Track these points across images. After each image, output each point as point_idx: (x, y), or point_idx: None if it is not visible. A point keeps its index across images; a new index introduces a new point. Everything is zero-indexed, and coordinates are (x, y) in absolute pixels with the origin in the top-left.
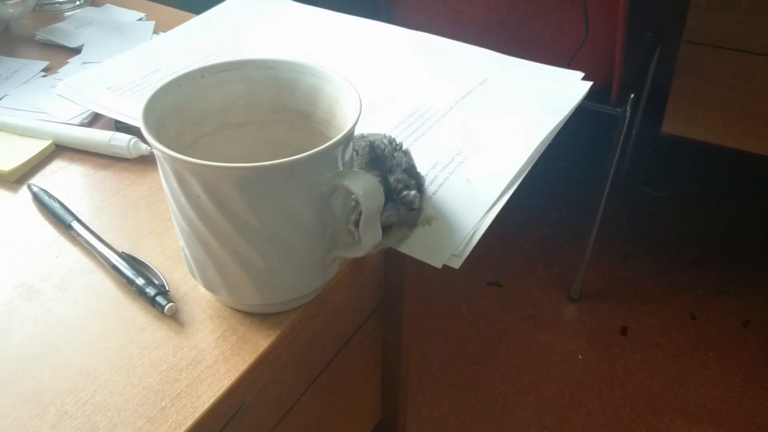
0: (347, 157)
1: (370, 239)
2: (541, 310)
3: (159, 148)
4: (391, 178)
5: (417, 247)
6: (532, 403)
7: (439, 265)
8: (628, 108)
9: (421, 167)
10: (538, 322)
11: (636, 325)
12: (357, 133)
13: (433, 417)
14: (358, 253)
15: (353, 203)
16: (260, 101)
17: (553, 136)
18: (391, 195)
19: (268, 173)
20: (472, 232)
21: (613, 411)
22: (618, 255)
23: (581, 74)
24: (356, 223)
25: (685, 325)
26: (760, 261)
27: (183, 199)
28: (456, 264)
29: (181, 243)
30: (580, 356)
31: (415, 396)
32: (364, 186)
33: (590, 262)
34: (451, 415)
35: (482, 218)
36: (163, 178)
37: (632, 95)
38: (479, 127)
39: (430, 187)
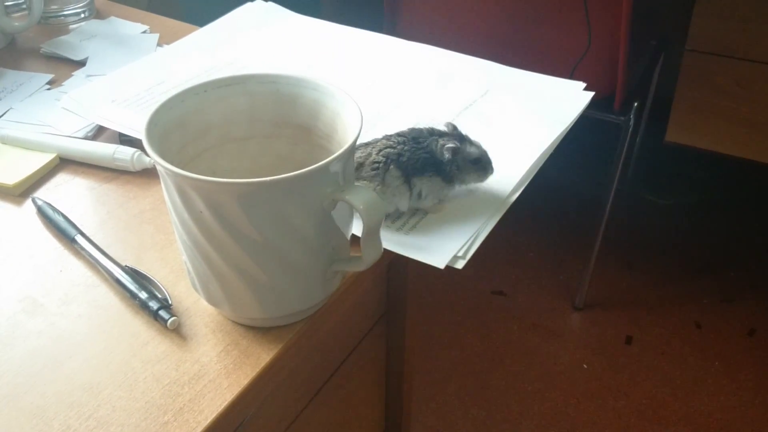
0: (349, 171)
1: (372, 253)
2: (546, 319)
3: (161, 164)
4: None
5: (419, 249)
6: (537, 413)
7: (441, 266)
8: (631, 116)
9: None
10: (543, 331)
11: (641, 333)
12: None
13: (438, 427)
14: (360, 267)
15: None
16: (262, 115)
17: (555, 146)
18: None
19: (269, 188)
20: (475, 234)
21: (618, 420)
22: (622, 263)
23: (583, 84)
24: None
25: (691, 333)
26: (766, 269)
27: (185, 214)
28: (460, 265)
29: (184, 257)
30: (585, 365)
31: (419, 406)
32: (365, 200)
33: (595, 271)
34: (456, 424)
35: (486, 222)
36: (166, 192)
37: (636, 103)
38: (481, 139)
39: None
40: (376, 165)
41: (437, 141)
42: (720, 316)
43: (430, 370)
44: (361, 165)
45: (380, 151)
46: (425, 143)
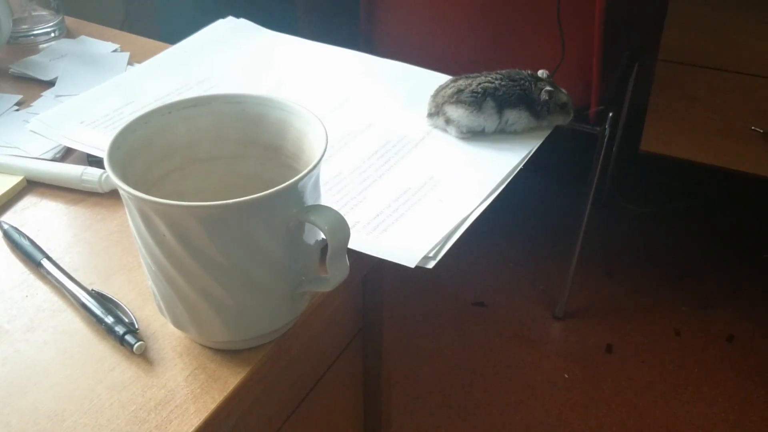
0: (314, 190)
1: (338, 274)
2: (527, 330)
3: (122, 187)
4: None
5: (390, 250)
6: (519, 423)
7: (412, 265)
8: (607, 127)
9: (393, 193)
10: (524, 342)
11: (621, 342)
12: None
13: None
14: (327, 287)
15: None
16: (229, 135)
17: (525, 161)
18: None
19: (232, 211)
20: (446, 236)
21: (599, 429)
22: (602, 272)
23: None
24: None
25: (670, 341)
26: (743, 275)
27: (149, 238)
28: (430, 264)
29: (149, 281)
30: (566, 375)
31: (400, 419)
32: (330, 221)
33: (574, 280)
34: None
35: (457, 226)
36: (129, 216)
37: (611, 114)
38: (451, 155)
39: (401, 207)
40: (475, 94)
41: (536, 83)
42: (699, 323)
43: (412, 383)
44: (461, 91)
45: (479, 84)
46: (522, 82)
